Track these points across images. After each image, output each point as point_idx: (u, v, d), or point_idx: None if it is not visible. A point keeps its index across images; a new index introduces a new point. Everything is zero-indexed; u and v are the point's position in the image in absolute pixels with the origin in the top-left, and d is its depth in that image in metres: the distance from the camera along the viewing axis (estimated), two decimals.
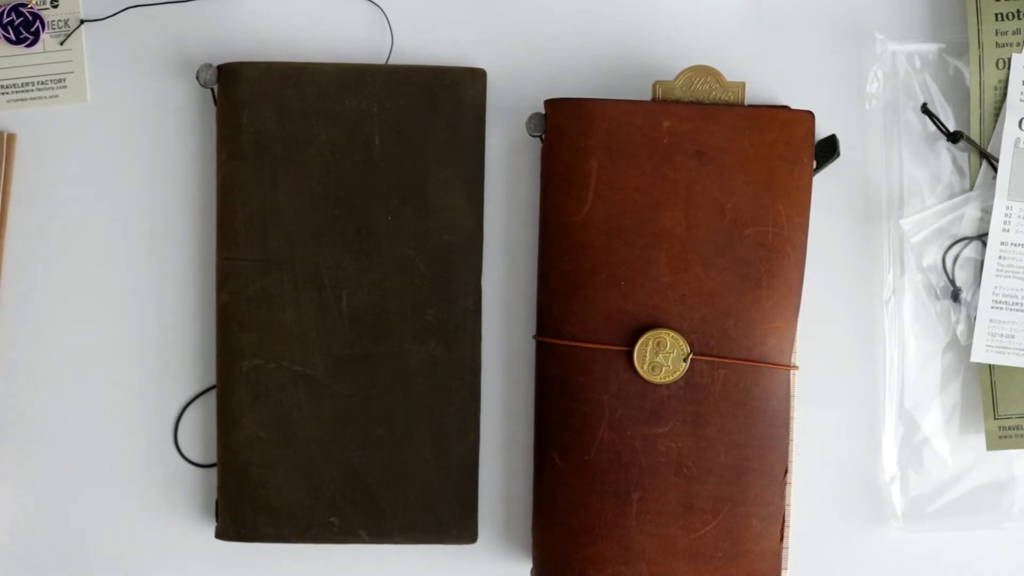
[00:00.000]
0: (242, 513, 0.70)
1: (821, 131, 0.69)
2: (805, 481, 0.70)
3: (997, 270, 0.69)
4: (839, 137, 0.69)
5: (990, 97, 0.70)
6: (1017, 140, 0.69)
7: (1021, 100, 0.69)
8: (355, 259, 0.70)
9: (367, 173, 0.70)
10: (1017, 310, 0.69)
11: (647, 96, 0.69)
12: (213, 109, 0.71)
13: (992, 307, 0.69)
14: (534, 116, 0.69)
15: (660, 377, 0.67)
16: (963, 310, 0.71)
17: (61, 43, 0.73)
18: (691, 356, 0.67)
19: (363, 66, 0.71)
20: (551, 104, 0.69)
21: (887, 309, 0.71)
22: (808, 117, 0.68)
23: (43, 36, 0.73)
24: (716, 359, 0.67)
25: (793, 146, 0.67)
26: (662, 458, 0.67)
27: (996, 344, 0.69)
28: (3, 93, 0.72)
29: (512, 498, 0.72)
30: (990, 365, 0.70)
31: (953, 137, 0.70)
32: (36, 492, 0.72)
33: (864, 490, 0.71)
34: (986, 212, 0.70)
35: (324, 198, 0.70)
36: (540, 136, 0.69)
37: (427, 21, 0.72)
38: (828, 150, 0.69)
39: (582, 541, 0.67)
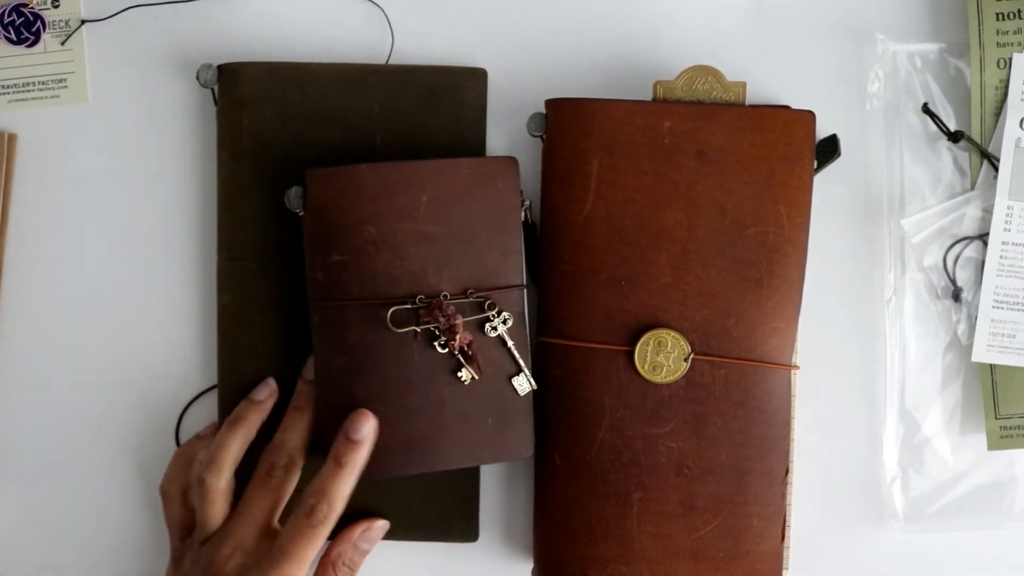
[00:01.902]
0: None
1: (822, 131, 0.69)
2: (806, 481, 0.70)
3: (998, 270, 0.69)
4: (840, 137, 0.69)
5: (991, 97, 0.70)
6: (1018, 140, 0.69)
7: (1022, 100, 0.69)
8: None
9: None
10: (1018, 310, 0.69)
11: (648, 96, 0.69)
12: (214, 109, 0.71)
13: (993, 307, 0.69)
14: (535, 116, 0.69)
15: (661, 377, 0.67)
16: (964, 310, 0.71)
17: (62, 43, 0.73)
18: (692, 356, 0.67)
19: (364, 66, 0.71)
20: (552, 104, 0.69)
21: (888, 309, 0.71)
22: (809, 117, 0.67)
23: (44, 36, 0.73)
24: (717, 359, 0.67)
25: (794, 146, 0.67)
26: (663, 458, 0.67)
27: (997, 344, 0.69)
28: (4, 93, 0.73)
29: (513, 497, 0.72)
30: (991, 365, 0.70)
31: (954, 137, 0.70)
32: (37, 491, 0.72)
33: (865, 490, 0.71)
34: (987, 212, 0.70)
35: None
36: (541, 136, 0.69)
37: (428, 21, 0.72)
38: (829, 150, 0.69)
39: (583, 541, 0.67)
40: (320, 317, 0.66)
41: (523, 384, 0.67)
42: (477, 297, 0.66)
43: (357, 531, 0.69)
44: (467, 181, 0.66)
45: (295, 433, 0.67)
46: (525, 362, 0.67)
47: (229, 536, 0.66)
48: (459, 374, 0.66)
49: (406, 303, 0.65)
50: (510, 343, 0.66)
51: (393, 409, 0.66)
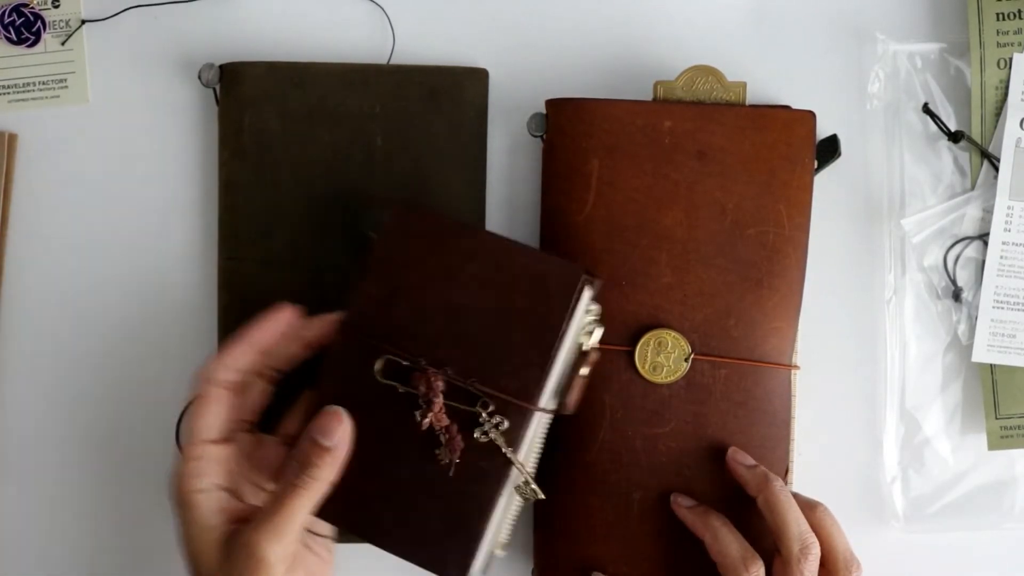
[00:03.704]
0: None
1: (822, 131, 0.69)
2: (806, 481, 0.70)
3: (998, 270, 0.69)
4: (840, 137, 0.69)
5: (991, 97, 0.70)
6: (1018, 140, 0.69)
7: (1022, 100, 0.69)
8: (357, 260, 0.70)
9: (369, 173, 0.70)
10: (1018, 310, 0.69)
11: (648, 96, 0.69)
12: (215, 109, 0.71)
13: (993, 307, 0.69)
14: (535, 116, 0.69)
15: (661, 377, 0.67)
16: (964, 310, 0.71)
17: (62, 43, 0.73)
18: (692, 356, 0.67)
19: (365, 66, 0.71)
20: (552, 104, 0.69)
21: (888, 309, 0.71)
22: (809, 117, 0.68)
23: (44, 36, 0.73)
24: (717, 359, 0.67)
25: (794, 146, 0.67)
26: (663, 458, 0.67)
27: (997, 344, 0.69)
28: (4, 93, 0.73)
29: None
30: (991, 365, 0.70)
31: (954, 137, 0.70)
32: (37, 492, 0.72)
33: (865, 490, 0.71)
34: (987, 212, 0.70)
35: (326, 198, 0.70)
36: (541, 136, 0.69)
37: (428, 21, 0.72)
38: (829, 150, 0.69)
39: (583, 541, 0.67)
40: (338, 335, 0.64)
41: (527, 495, 0.62)
42: (476, 389, 0.61)
43: (309, 428, 0.62)
44: (521, 271, 0.62)
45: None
46: (523, 472, 0.61)
47: None
48: (436, 451, 0.61)
49: (403, 359, 0.62)
50: (506, 449, 0.60)
51: (356, 458, 0.62)
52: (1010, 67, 0.70)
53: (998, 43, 0.70)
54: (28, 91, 0.73)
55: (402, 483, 0.62)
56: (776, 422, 0.67)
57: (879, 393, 0.71)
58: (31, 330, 0.72)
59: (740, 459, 0.66)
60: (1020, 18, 0.69)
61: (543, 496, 0.63)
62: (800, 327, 0.68)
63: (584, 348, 0.63)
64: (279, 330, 0.65)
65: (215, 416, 0.63)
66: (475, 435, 0.61)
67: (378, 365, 0.62)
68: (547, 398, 0.62)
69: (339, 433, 0.61)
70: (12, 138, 0.72)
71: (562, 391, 0.63)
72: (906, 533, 0.71)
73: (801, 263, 0.67)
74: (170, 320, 0.72)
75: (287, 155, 0.70)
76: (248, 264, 0.70)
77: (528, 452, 0.62)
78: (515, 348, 0.61)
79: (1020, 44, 0.70)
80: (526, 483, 0.62)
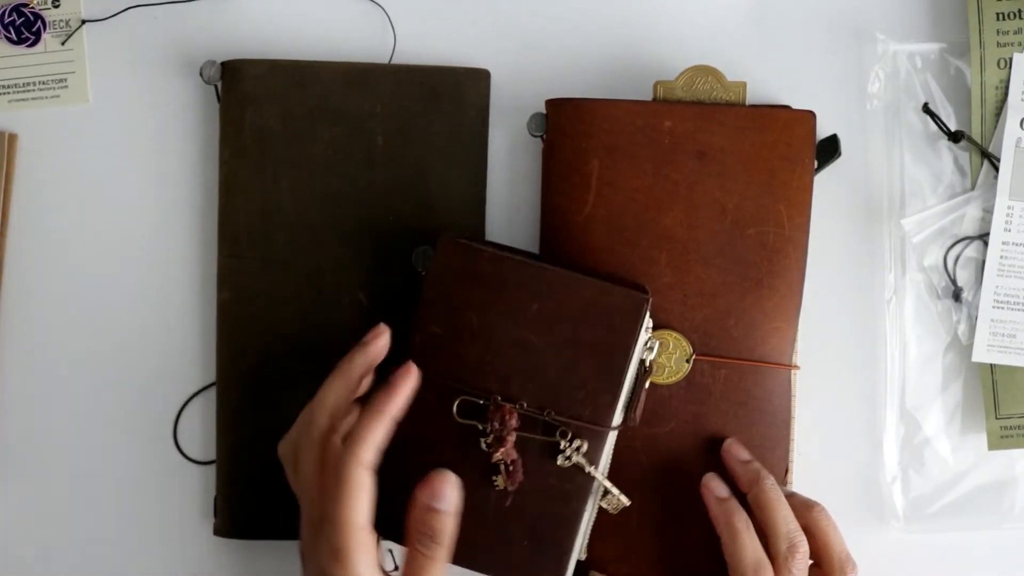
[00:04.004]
0: (241, 510, 0.70)
1: (822, 131, 0.69)
2: (806, 481, 0.70)
3: (998, 270, 0.69)
4: (840, 137, 0.69)
5: (991, 97, 0.70)
6: (1018, 140, 0.69)
7: (1022, 100, 0.69)
8: (357, 259, 0.70)
9: (369, 172, 0.70)
10: (1018, 310, 0.69)
11: (648, 96, 0.69)
12: (216, 107, 0.71)
13: (993, 307, 0.69)
14: (535, 116, 0.69)
15: (663, 378, 0.67)
16: (964, 310, 0.71)
17: (62, 43, 0.73)
18: (694, 357, 0.67)
19: (366, 65, 0.71)
20: (552, 104, 0.69)
21: (888, 309, 0.71)
22: (809, 117, 0.68)
23: (44, 36, 0.73)
24: (717, 359, 0.67)
25: (794, 146, 0.67)
26: (663, 458, 0.67)
27: (997, 344, 0.69)
28: (4, 93, 0.73)
29: None
30: (991, 365, 0.70)
31: (954, 137, 0.70)
32: (35, 489, 0.72)
33: (865, 490, 0.71)
34: (987, 212, 0.70)
35: (326, 197, 0.70)
36: (541, 136, 0.69)
37: (429, 21, 0.72)
38: (829, 150, 0.69)
39: None
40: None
41: (615, 502, 0.65)
42: (552, 419, 0.63)
43: (421, 495, 0.62)
44: (585, 303, 0.63)
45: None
46: (607, 484, 0.64)
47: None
48: (493, 478, 0.63)
49: (479, 398, 0.63)
50: (589, 469, 0.63)
51: None
52: (1010, 67, 0.70)
53: (998, 43, 0.70)
54: (28, 91, 0.73)
55: (487, 510, 0.64)
56: (776, 422, 0.67)
57: (879, 393, 0.71)
58: (31, 330, 0.72)
59: (735, 453, 0.66)
60: (1020, 18, 0.70)
61: (628, 502, 0.65)
62: (800, 327, 0.68)
63: (646, 363, 0.65)
64: (411, 396, 0.63)
65: (369, 502, 0.61)
66: (558, 462, 0.63)
67: (455, 406, 0.63)
68: (617, 416, 0.64)
69: (452, 494, 0.62)
70: (12, 138, 0.72)
71: (627, 406, 0.65)
72: (906, 533, 0.71)
73: (801, 263, 0.67)
74: (170, 318, 0.72)
75: (288, 154, 0.70)
76: (248, 262, 0.70)
77: (604, 465, 0.65)
78: (586, 376, 0.63)
79: (1020, 44, 0.70)
80: (608, 494, 0.65)
